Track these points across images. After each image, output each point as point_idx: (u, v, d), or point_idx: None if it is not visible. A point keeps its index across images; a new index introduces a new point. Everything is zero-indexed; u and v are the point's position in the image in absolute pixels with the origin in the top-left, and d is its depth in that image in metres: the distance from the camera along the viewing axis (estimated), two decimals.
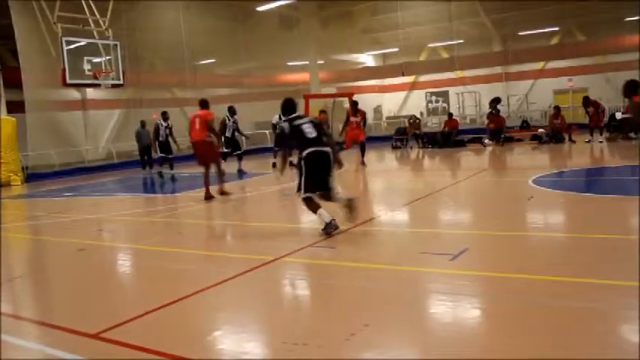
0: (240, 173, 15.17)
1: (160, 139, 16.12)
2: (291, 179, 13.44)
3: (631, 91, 9.34)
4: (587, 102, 18.74)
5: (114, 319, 4.14)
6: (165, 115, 16.39)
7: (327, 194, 6.80)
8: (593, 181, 10.95)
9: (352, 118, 16.00)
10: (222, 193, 10.87)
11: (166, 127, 16.22)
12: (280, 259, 5.69)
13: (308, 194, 6.69)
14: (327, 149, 6.75)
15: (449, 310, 4.06)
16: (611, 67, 27.49)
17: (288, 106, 7.09)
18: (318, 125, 6.97)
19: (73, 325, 4.10)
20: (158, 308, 4.36)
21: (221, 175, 10.91)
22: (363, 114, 16.53)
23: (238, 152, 15.81)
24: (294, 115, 7.02)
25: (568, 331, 3.47)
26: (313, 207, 6.71)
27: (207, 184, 10.61)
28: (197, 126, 10.58)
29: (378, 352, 3.40)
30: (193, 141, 10.80)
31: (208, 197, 10.55)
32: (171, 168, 16.54)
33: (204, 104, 11.00)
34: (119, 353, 3.58)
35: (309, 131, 6.79)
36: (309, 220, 8.90)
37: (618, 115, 19.22)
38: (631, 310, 3.68)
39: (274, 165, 15.94)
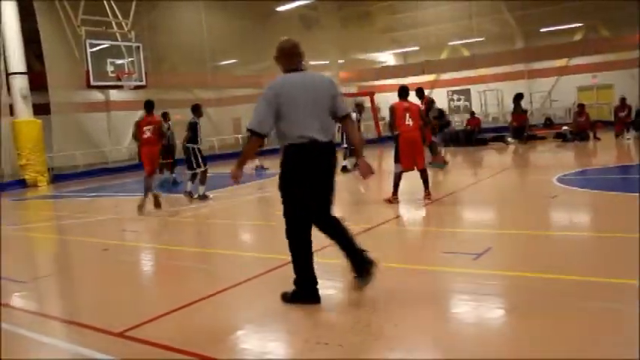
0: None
1: (163, 142, 14.76)
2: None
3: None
4: (623, 103, 18.50)
5: (138, 318, 4.19)
6: (166, 117, 14.87)
7: None
8: (620, 179, 10.77)
9: None
10: None
11: (167, 129, 14.63)
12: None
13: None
14: None
15: (473, 310, 4.02)
16: (636, 63, 26.98)
17: None
18: None
19: (98, 324, 4.15)
20: (181, 307, 4.39)
21: None
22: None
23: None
24: None
25: (594, 331, 3.42)
26: None
27: None
28: None
29: (400, 352, 3.38)
30: None
31: None
32: (172, 171, 15.47)
33: None
34: (143, 352, 3.62)
35: None
36: None
37: None
38: None
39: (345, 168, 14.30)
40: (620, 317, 3.61)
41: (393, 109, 8.72)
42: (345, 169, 14.20)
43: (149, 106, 10.39)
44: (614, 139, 18.11)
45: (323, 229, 4.26)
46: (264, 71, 30.45)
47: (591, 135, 18.73)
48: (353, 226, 7.50)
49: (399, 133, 8.63)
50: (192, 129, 11.01)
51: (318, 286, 4.27)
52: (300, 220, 4.17)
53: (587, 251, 5.56)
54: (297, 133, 4.04)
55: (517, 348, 3.29)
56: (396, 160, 8.73)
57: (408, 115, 8.62)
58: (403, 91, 8.91)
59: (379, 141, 25.10)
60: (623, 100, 18.67)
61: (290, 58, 4.22)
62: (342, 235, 4.26)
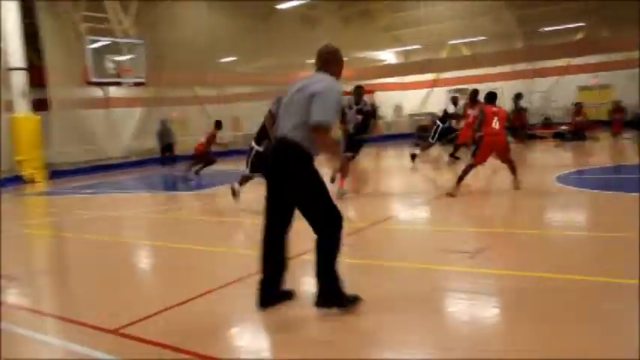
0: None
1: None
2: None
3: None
4: (618, 107, 19.49)
5: (133, 315, 4.18)
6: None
7: None
8: (617, 179, 10.76)
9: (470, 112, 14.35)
10: None
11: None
12: (299, 257, 5.68)
13: None
14: None
15: (467, 308, 4.02)
16: (636, 63, 26.90)
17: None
18: None
19: (93, 321, 4.14)
20: (177, 305, 4.39)
21: None
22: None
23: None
24: None
25: (589, 331, 3.41)
26: None
27: None
28: None
29: (395, 352, 3.38)
30: None
31: None
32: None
33: None
34: (138, 349, 3.61)
35: None
36: None
37: None
38: None
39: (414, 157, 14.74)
40: (616, 317, 3.60)
41: (483, 113, 9.26)
42: (413, 157, 14.62)
43: (218, 123, 14.31)
44: (611, 138, 18.14)
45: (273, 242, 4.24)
46: (265, 69, 30.44)
47: (588, 134, 18.76)
48: (349, 224, 7.51)
49: (484, 135, 9.13)
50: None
51: (269, 291, 4.18)
52: (266, 224, 4.22)
53: (584, 250, 5.56)
54: (276, 133, 4.04)
55: (512, 347, 3.29)
56: (473, 155, 9.33)
57: (496, 118, 9.18)
58: (492, 97, 9.56)
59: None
60: (617, 103, 19.59)
61: (320, 61, 4.35)
62: (279, 262, 4.22)
